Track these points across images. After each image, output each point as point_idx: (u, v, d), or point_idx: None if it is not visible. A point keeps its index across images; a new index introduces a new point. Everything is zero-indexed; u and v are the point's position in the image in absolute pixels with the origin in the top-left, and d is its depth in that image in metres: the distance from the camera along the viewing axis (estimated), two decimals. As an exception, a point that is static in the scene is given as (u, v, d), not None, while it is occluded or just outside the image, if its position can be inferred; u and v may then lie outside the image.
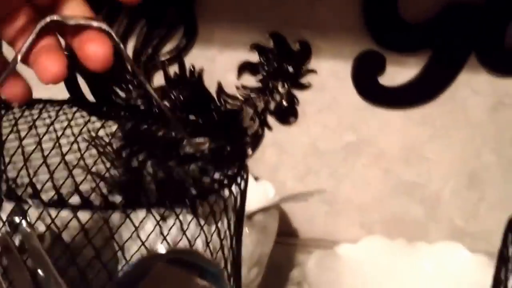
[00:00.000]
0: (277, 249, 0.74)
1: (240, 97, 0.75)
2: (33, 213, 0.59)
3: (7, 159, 0.56)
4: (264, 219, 0.71)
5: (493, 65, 0.77)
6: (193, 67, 0.74)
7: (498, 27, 0.75)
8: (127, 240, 0.59)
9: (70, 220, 0.54)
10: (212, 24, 0.75)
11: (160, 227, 0.54)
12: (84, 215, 0.60)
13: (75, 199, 0.42)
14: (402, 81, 0.78)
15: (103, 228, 0.60)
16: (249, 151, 0.78)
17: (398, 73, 0.77)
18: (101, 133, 0.67)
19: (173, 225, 0.55)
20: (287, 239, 0.83)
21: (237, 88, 0.75)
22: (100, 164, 0.63)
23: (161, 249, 0.49)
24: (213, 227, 0.50)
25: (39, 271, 0.45)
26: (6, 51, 0.42)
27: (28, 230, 0.55)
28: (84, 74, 0.73)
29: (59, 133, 0.62)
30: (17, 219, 0.58)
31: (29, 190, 0.44)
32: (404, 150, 0.81)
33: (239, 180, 0.49)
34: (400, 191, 0.83)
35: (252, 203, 0.64)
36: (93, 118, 0.67)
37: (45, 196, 0.43)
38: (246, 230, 0.62)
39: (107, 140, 0.67)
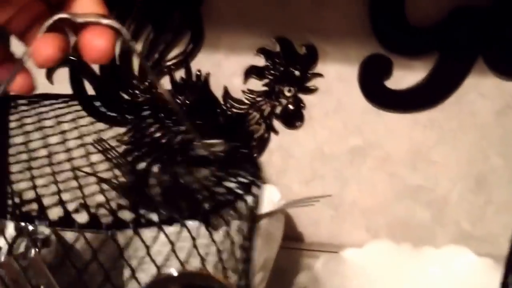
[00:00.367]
0: (283, 253, 0.75)
1: (246, 101, 0.76)
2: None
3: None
4: (270, 224, 0.71)
5: (500, 69, 0.77)
6: (199, 71, 0.75)
7: (505, 30, 0.75)
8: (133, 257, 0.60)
9: (77, 239, 0.53)
10: (218, 29, 0.75)
11: (172, 244, 0.53)
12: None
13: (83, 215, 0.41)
14: (409, 84, 0.78)
15: (111, 246, 0.60)
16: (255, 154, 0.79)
17: (405, 76, 0.77)
18: (107, 137, 0.69)
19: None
20: (292, 244, 0.83)
21: (243, 92, 0.76)
22: (105, 169, 0.63)
23: (174, 271, 0.49)
24: (226, 240, 0.49)
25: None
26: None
27: (33, 253, 0.55)
28: (91, 79, 0.74)
29: (65, 136, 0.63)
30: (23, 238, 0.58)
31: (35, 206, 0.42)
32: (411, 153, 0.82)
33: (254, 189, 0.48)
34: (407, 195, 0.84)
35: (258, 208, 0.65)
36: (99, 123, 0.68)
37: (51, 208, 0.42)
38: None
39: (112, 144, 0.68)
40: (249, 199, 0.48)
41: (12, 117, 0.61)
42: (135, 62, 0.74)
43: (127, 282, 0.52)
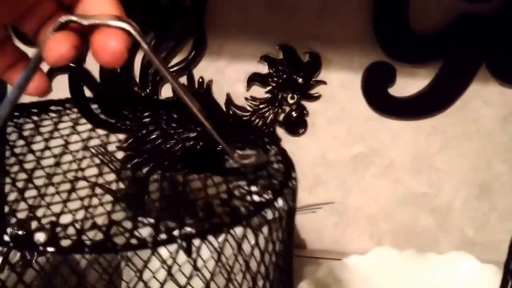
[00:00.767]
0: None
1: (249, 108, 0.76)
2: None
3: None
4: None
5: (504, 76, 0.78)
6: (202, 78, 0.75)
7: (508, 38, 0.76)
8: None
9: (91, 263, 0.52)
10: (221, 36, 0.76)
11: (194, 261, 0.50)
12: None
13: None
14: (413, 92, 0.79)
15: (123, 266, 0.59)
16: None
17: (408, 84, 0.78)
18: (108, 145, 0.69)
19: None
20: (296, 251, 0.83)
21: (246, 99, 0.76)
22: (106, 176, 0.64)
23: None
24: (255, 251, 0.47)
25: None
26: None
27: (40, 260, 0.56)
28: (91, 86, 0.74)
29: (65, 145, 0.64)
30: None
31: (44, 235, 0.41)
32: (415, 160, 0.82)
33: (286, 195, 0.48)
34: (410, 202, 0.84)
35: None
36: (100, 131, 0.69)
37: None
38: (253, 241, 0.62)
39: (113, 152, 0.69)
40: (281, 207, 0.48)
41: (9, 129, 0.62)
42: (137, 69, 0.75)
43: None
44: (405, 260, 0.77)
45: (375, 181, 0.83)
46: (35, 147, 0.62)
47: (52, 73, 0.72)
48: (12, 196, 0.51)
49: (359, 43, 0.76)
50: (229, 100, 0.76)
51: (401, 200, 0.84)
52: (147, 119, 0.75)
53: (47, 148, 0.62)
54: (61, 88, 0.75)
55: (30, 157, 0.60)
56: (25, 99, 0.42)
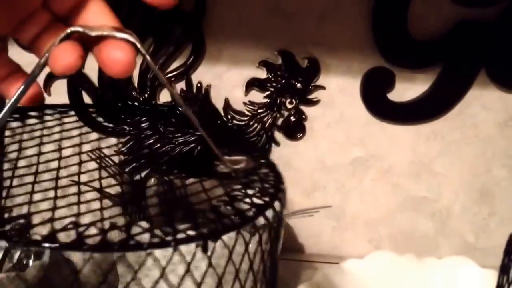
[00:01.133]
0: (283, 265, 0.76)
1: (247, 113, 0.77)
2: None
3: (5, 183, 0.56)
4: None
5: (503, 81, 0.79)
6: (200, 83, 0.76)
7: (508, 44, 0.77)
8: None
9: (88, 260, 0.54)
10: (220, 41, 0.77)
11: (188, 264, 0.52)
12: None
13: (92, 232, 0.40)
14: (412, 97, 0.79)
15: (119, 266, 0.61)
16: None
17: (408, 89, 0.79)
18: (105, 148, 0.70)
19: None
20: (293, 255, 0.85)
21: (245, 104, 0.77)
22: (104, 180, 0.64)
23: None
24: (245, 258, 0.48)
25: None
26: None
27: (37, 262, 0.57)
28: (89, 91, 0.75)
29: (61, 149, 0.65)
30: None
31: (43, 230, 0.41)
32: (414, 165, 0.83)
33: (276, 205, 0.49)
34: (409, 206, 0.85)
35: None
36: (97, 135, 0.70)
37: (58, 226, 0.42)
38: (250, 245, 0.63)
39: (110, 155, 0.69)
40: (270, 215, 0.48)
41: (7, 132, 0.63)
42: (135, 73, 0.76)
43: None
44: (404, 264, 0.77)
45: (374, 186, 0.84)
46: (29, 151, 0.63)
47: (51, 78, 0.73)
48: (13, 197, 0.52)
49: (358, 48, 0.77)
50: (227, 105, 0.77)
51: (400, 205, 0.85)
52: (145, 124, 0.76)
53: (42, 153, 0.63)
54: (59, 92, 0.77)
55: (22, 162, 0.60)
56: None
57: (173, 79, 0.75)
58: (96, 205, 0.56)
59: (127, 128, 0.71)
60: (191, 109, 0.76)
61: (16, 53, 0.74)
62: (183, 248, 0.43)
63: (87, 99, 0.76)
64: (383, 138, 0.82)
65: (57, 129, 0.67)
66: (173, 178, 0.66)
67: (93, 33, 0.38)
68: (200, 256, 0.47)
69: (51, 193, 0.54)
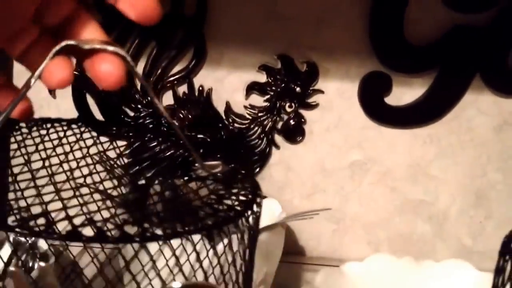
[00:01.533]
0: (283, 268, 0.77)
1: (248, 116, 0.80)
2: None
3: (16, 186, 0.58)
4: (270, 238, 0.73)
5: (498, 86, 0.81)
6: (202, 87, 0.79)
7: (502, 49, 0.79)
8: (139, 272, 0.63)
9: (83, 252, 0.56)
10: (221, 46, 0.79)
11: (177, 258, 0.57)
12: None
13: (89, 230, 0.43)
14: (408, 101, 0.82)
15: (115, 259, 0.63)
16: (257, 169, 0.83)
17: (404, 93, 0.81)
18: (109, 151, 0.72)
19: (189, 255, 0.58)
20: (293, 258, 0.86)
21: (245, 107, 0.80)
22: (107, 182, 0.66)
23: (176, 284, 0.51)
24: (228, 254, 0.52)
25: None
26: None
27: (43, 264, 0.59)
28: (93, 94, 0.78)
29: (67, 153, 0.67)
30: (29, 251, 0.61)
31: (42, 221, 0.44)
32: (411, 168, 0.85)
33: (254, 207, 0.52)
34: (407, 209, 0.87)
35: (258, 221, 0.68)
36: (101, 137, 0.72)
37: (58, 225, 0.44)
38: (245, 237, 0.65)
39: (114, 158, 0.71)
40: (249, 215, 0.51)
41: (14, 139, 0.64)
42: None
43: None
44: (402, 267, 0.78)
45: (372, 189, 0.86)
46: (37, 156, 0.65)
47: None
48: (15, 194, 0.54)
49: (356, 53, 0.80)
50: (228, 108, 0.80)
51: (398, 208, 0.87)
52: (148, 127, 0.78)
53: (50, 156, 0.65)
54: (63, 95, 0.79)
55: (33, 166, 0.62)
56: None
57: (175, 82, 0.78)
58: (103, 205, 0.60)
59: (131, 131, 0.74)
60: (193, 112, 0.79)
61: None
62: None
63: (91, 102, 0.79)
64: (380, 141, 0.84)
65: (66, 134, 0.69)
66: (175, 181, 0.69)
67: (86, 46, 0.40)
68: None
69: (61, 195, 0.56)
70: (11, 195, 0.53)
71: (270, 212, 0.77)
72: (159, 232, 0.45)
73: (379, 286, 0.78)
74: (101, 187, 0.64)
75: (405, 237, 0.88)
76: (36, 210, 0.50)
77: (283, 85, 0.78)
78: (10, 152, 0.63)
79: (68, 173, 0.62)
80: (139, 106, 0.78)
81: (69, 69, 0.40)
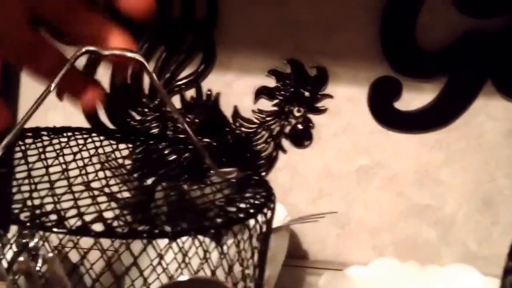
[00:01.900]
0: (287, 271, 0.78)
1: (255, 121, 0.80)
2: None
3: (32, 186, 0.60)
4: (274, 241, 0.71)
5: (509, 91, 0.81)
6: (210, 91, 0.79)
7: (513, 54, 0.80)
8: (147, 267, 0.64)
9: (92, 246, 0.57)
10: (230, 50, 0.79)
11: (184, 255, 0.58)
12: (105, 242, 0.64)
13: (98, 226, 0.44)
14: (418, 106, 0.82)
15: (122, 255, 0.64)
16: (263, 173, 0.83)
17: (414, 98, 0.82)
18: (115, 155, 0.72)
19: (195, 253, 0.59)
20: (297, 261, 0.87)
21: (253, 112, 0.80)
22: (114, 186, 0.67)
23: (183, 277, 0.52)
24: (236, 256, 0.52)
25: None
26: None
27: (51, 255, 0.59)
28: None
29: (73, 157, 0.67)
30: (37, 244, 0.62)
31: (53, 217, 0.46)
32: (418, 173, 0.85)
33: (265, 210, 0.52)
34: (413, 214, 0.87)
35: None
36: (107, 141, 0.72)
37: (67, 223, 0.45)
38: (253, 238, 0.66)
39: (120, 162, 0.71)
40: (261, 218, 0.51)
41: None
42: (146, 81, 0.78)
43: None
44: (406, 271, 0.79)
45: (379, 193, 0.86)
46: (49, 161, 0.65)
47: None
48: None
49: (365, 58, 0.80)
50: (236, 113, 0.80)
51: (404, 213, 0.87)
52: (154, 130, 0.78)
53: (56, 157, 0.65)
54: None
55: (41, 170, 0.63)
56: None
57: (183, 86, 0.78)
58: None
59: (137, 134, 0.74)
60: (200, 117, 0.79)
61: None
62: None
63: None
64: (388, 146, 0.84)
65: (72, 141, 0.69)
66: (180, 184, 0.69)
67: (106, 52, 0.42)
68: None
69: (69, 196, 0.57)
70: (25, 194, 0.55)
71: (275, 215, 0.77)
72: (167, 229, 0.46)
73: (382, 290, 0.78)
74: (106, 190, 0.65)
75: (410, 241, 0.88)
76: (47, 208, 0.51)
77: (292, 89, 0.79)
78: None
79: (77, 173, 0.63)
80: (146, 110, 0.78)
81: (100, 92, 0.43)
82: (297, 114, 0.80)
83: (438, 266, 0.80)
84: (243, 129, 0.80)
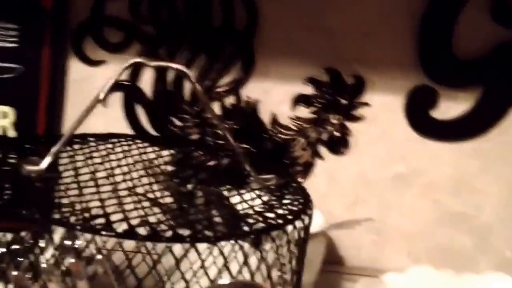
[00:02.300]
0: (324, 277, 0.79)
1: (293, 128, 0.82)
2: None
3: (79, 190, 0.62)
4: (311, 246, 0.71)
5: (545, 101, 0.82)
6: (249, 98, 0.81)
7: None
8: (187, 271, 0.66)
9: (138, 249, 0.59)
10: (269, 59, 0.81)
11: (225, 259, 0.60)
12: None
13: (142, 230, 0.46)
14: (454, 115, 0.83)
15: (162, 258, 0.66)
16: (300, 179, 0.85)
17: (451, 107, 0.82)
18: (158, 160, 0.74)
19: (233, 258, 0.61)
20: (333, 267, 0.88)
21: (291, 119, 0.82)
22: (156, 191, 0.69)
23: (223, 280, 0.54)
24: (275, 261, 0.54)
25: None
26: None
27: (100, 257, 0.62)
28: (143, 104, 0.81)
29: (117, 162, 0.69)
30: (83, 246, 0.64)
31: (100, 220, 0.48)
32: (454, 181, 0.86)
33: (303, 216, 0.54)
34: (449, 222, 0.88)
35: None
36: (150, 148, 0.74)
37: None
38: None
39: (162, 167, 0.74)
40: (298, 224, 0.53)
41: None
42: (186, 88, 0.81)
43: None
44: (442, 279, 0.80)
45: (415, 201, 0.87)
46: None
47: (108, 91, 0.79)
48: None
49: (402, 66, 0.81)
50: (274, 120, 0.82)
51: (440, 220, 0.88)
52: (194, 136, 0.81)
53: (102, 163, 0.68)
54: (113, 105, 0.82)
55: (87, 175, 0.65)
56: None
57: (223, 93, 0.80)
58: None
59: (178, 141, 0.76)
60: (238, 123, 0.81)
61: (75, 67, 0.80)
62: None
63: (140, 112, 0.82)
64: (424, 154, 0.85)
65: (118, 147, 0.71)
66: (219, 190, 0.71)
67: (152, 64, 0.44)
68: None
69: (114, 200, 0.59)
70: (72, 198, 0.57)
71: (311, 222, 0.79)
72: (209, 234, 0.48)
73: (418, 297, 0.79)
74: (149, 195, 0.67)
75: (446, 249, 0.89)
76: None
77: (329, 97, 0.80)
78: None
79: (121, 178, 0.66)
80: (186, 116, 0.80)
81: None
82: (334, 122, 0.81)
83: (474, 274, 0.80)
84: (280, 136, 0.82)
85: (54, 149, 0.53)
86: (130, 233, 0.46)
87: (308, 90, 0.81)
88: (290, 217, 0.53)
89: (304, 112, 0.82)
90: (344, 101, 0.81)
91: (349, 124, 0.82)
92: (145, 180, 0.68)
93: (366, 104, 0.82)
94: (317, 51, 0.81)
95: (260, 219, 0.54)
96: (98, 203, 0.57)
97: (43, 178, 0.55)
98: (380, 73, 0.82)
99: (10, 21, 0.78)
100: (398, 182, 0.87)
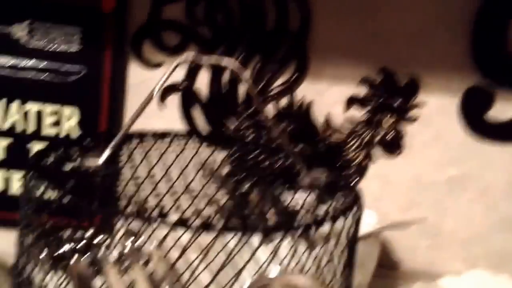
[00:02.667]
0: (378, 280, 0.79)
1: (346, 129, 0.83)
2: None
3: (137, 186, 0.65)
4: (364, 248, 0.73)
5: None
6: (302, 99, 0.83)
7: None
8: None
9: (192, 241, 0.61)
10: (322, 60, 0.82)
11: (275, 252, 0.62)
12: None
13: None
14: (510, 116, 0.83)
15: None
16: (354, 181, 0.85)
17: (506, 108, 0.82)
18: (213, 160, 0.76)
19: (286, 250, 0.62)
20: (388, 272, 0.88)
21: (345, 120, 0.83)
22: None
23: (274, 273, 0.55)
24: (326, 255, 0.55)
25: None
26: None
27: (156, 249, 0.64)
28: (201, 105, 0.83)
29: (174, 160, 0.72)
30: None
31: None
32: (510, 185, 0.86)
33: (354, 210, 0.55)
34: (505, 227, 0.87)
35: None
36: (205, 147, 0.76)
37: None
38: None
39: (217, 166, 0.76)
40: (348, 220, 0.54)
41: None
42: (241, 91, 0.83)
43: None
44: (500, 284, 0.80)
45: (470, 205, 0.87)
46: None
47: (167, 92, 0.82)
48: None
49: (457, 68, 0.81)
50: (328, 121, 0.83)
51: (496, 225, 0.87)
52: (249, 137, 0.82)
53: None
54: (168, 106, 0.84)
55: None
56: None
57: (277, 95, 0.82)
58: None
59: (233, 141, 0.78)
60: (292, 125, 0.83)
61: (134, 71, 0.83)
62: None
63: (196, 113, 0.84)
64: (479, 157, 0.85)
65: (174, 146, 0.73)
66: (273, 188, 0.73)
67: (204, 61, 0.45)
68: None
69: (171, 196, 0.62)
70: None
71: (365, 221, 0.78)
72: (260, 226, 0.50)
73: (475, 303, 0.79)
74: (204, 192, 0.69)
75: (502, 254, 0.88)
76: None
77: (383, 98, 0.81)
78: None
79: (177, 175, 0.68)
80: (241, 117, 0.82)
81: None
82: (388, 123, 0.81)
83: (532, 280, 0.80)
84: (334, 137, 0.83)
85: (111, 144, 0.56)
86: (183, 222, 0.47)
87: (362, 91, 0.82)
88: (339, 214, 0.54)
89: (358, 113, 0.83)
90: (398, 102, 0.81)
91: (403, 126, 0.83)
92: (200, 178, 0.71)
93: (420, 105, 0.82)
94: (370, 52, 0.82)
95: (311, 215, 0.55)
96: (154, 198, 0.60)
97: (101, 173, 0.58)
98: (434, 74, 0.82)
99: (73, 25, 0.82)
100: (453, 185, 0.87)
